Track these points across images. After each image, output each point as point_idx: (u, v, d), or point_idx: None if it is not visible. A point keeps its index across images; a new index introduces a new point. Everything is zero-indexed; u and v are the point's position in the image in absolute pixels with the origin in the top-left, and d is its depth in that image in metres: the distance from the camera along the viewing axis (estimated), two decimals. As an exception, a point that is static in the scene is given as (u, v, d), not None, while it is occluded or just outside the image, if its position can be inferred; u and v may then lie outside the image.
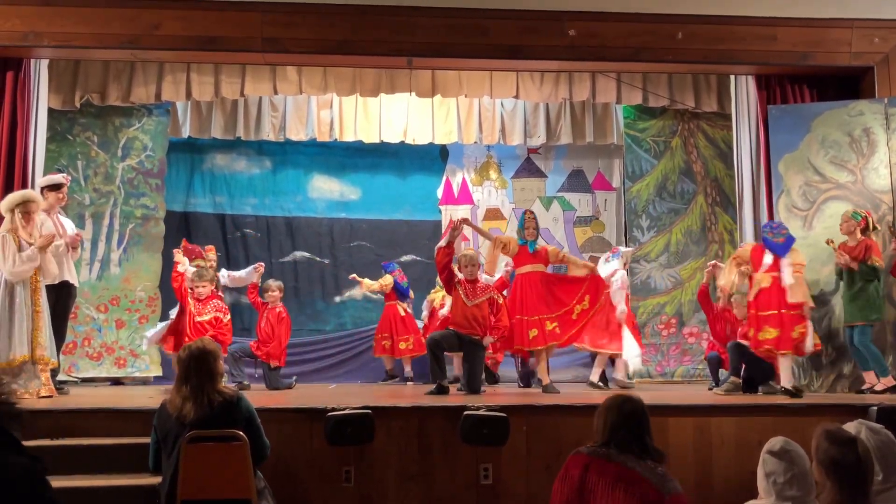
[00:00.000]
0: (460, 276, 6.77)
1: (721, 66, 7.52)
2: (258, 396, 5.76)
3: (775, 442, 2.99)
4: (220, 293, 7.10)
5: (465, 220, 7.08)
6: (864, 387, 6.37)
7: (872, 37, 7.14)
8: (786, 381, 6.03)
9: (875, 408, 4.93)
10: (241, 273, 7.55)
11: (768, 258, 6.25)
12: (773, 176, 7.20)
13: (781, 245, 6.22)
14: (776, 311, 6.09)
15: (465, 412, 4.80)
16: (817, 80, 7.45)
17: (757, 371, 6.36)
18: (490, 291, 6.87)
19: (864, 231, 6.48)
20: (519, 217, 7.19)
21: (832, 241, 6.57)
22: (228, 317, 6.78)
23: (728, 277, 6.42)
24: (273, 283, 7.59)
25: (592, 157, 10.02)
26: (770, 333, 6.07)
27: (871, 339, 6.38)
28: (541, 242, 7.05)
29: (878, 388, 6.23)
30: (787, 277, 6.09)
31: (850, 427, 2.96)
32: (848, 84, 7.45)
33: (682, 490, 2.73)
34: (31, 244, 5.73)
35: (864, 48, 7.15)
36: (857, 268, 6.35)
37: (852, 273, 6.40)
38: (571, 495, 2.75)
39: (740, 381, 6.33)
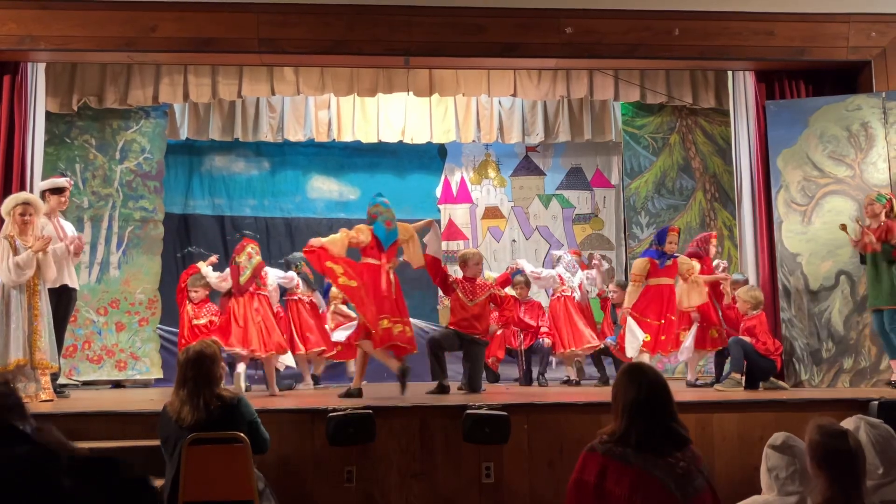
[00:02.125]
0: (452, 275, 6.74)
1: (718, 62, 7.50)
2: (259, 398, 5.76)
3: (778, 437, 3.01)
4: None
5: (429, 223, 6.98)
6: (893, 378, 6.29)
7: (869, 31, 7.13)
8: None
9: (876, 402, 4.94)
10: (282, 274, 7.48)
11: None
12: (772, 171, 7.18)
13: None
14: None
15: (467, 411, 4.81)
16: (815, 74, 7.44)
17: (759, 367, 6.35)
18: (490, 288, 6.85)
19: (889, 214, 6.38)
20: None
21: (845, 227, 6.46)
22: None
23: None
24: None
25: (591, 154, 10.00)
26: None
27: None
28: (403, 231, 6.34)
29: None
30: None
31: (850, 423, 2.97)
32: (845, 79, 7.44)
33: (704, 485, 2.58)
34: (29, 248, 5.71)
35: (862, 42, 7.14)
36: (880, 248, 6.26)
37: (875, 256, 6.31)
38: (588, 501, 2.60)
39: (741, 376, 6.33)
